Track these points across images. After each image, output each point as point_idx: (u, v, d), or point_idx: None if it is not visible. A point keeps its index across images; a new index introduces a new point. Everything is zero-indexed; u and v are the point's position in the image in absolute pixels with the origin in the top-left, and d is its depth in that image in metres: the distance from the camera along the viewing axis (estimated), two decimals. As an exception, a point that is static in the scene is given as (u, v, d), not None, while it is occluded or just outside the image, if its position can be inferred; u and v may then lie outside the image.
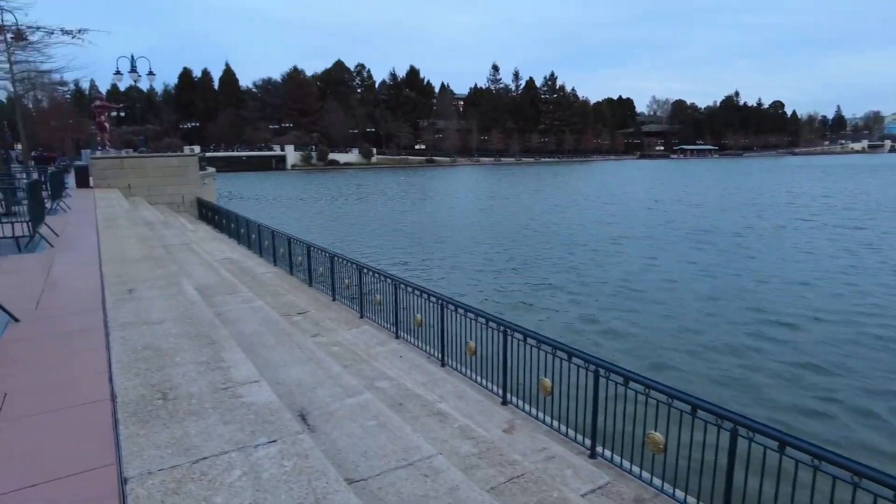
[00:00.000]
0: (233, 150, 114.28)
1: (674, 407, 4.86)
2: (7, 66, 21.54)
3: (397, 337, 8.93)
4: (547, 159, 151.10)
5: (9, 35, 19.28)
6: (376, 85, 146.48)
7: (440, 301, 7.92)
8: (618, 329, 14.48)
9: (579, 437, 6.03)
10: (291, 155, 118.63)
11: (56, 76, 27.89)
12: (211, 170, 34.26)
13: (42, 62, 23.69)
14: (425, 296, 8.28)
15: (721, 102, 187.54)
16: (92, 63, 40.62)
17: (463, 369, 7.62)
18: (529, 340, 6.26)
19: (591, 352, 6.15)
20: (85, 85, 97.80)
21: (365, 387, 5.08)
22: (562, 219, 37.70)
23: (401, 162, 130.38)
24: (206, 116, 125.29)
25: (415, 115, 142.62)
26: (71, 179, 24.16)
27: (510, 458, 4.44)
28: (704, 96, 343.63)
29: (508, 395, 6.75)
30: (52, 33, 15.72)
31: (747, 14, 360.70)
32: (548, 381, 6.12)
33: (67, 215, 14.11)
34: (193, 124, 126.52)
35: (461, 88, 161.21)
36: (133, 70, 26.29)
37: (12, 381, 3.77)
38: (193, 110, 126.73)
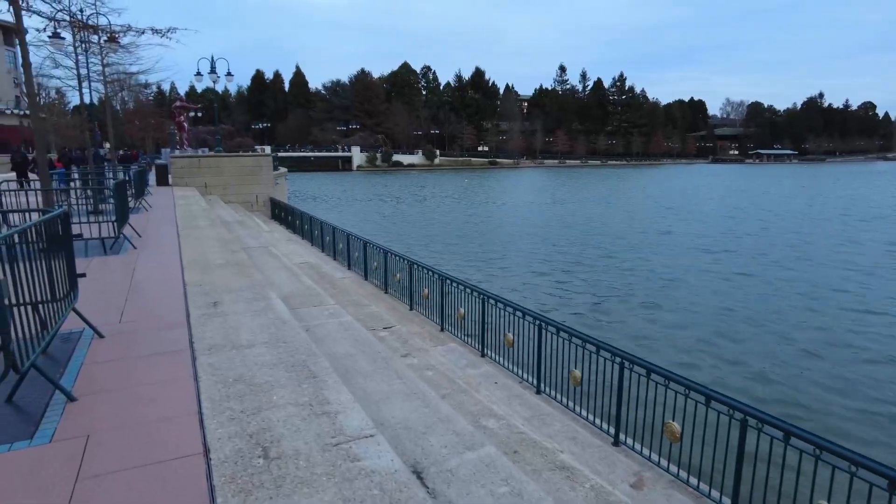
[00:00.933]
0: (301, 151, 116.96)
1: (859, 477, 3.92)
2: (100, 68, 22.39)
3: (483, 355, 8.24)
4: (614, 162, 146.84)
5: (103, 38, 19.94)
6: (441, 86, 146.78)
7: (537, 321, 7.14)
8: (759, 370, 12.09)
9: (714, 493, 5.15)
10: (357, 156, 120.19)
11: (142, 78, 28.96)
12: (283, 170, 34.75)
13: (130, 64, 24.58)
14: (519, 314, 7.52)
15: (802, 104, 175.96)
16: (174, 65, 42.37)
17: (562, 398, 6.83)
18: (654, 377, 5.42)
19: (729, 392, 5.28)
20: (165, 87, 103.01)
21: (474, 427, 4.40)
22: (654, 232, 33.56)
23: (464, 164, 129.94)
24: (277, 117, 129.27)
25: (479, 116, 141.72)
26: (152, 177, 24.92)
27: (661, 534, 3.63)
28: (783, 99, 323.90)
29: (622, 436, 5.92)
30: (143, 33, 16.06)
31: (833, 10, 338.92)
32: (676, 426, 5.25)
33: (149, 214, 14.25)
34: (265, 125, 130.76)
35: (526, 90, 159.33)
36: (212, 71, 26.90)
37: (96, 418, 3.31)
38: (264, 111, 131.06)
